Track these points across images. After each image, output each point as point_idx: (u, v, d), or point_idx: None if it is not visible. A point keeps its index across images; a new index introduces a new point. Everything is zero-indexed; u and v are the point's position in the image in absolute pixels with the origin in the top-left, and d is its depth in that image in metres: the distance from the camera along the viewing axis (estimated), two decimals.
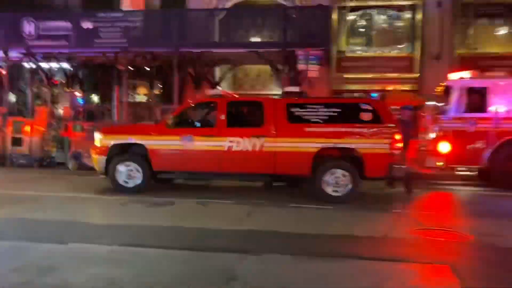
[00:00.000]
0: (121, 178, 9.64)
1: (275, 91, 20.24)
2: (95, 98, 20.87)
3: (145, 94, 21.43)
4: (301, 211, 8.13)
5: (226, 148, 9.21)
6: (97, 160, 9.86)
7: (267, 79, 20.82)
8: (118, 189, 9.61)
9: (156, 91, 20.09)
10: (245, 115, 10.19)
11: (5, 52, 16.30)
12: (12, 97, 20.02)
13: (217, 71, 19.69)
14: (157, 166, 9.58)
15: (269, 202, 8.74)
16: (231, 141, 9.19)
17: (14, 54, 16.76)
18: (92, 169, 13.18)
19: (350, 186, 8.81)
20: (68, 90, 19.70)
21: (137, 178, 9.63)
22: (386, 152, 8.70)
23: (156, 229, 6.66)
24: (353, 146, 8.83)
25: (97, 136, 10.03)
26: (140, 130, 10.09)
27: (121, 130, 10.62)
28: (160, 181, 10.19)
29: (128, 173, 9.63)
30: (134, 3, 17.62)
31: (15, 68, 19.27)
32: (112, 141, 9.80)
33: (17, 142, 15.05)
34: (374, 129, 8.77)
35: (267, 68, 20.14)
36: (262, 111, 9.23)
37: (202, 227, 6.75)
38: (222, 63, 18.90)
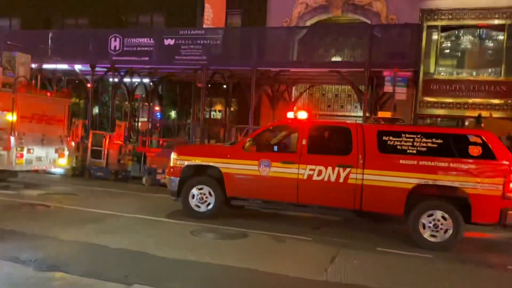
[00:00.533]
0: (193, 202, 8.97)
1: (354, 112, 19.01)
2: (172, 113, 20.83)
3: (219, 111, 21.10)
4: (394, 258, 6.89)
5: (305, 177, 8.22)
6: (170, 181, 9.29)
7: (345, 99, 19.62)
8: (189, 213, 8.96)
9: (232, 109, 19.62)
10: (329, 141, 9.14)
11: (93, 67, 16.64)
12: (95, 110, 20.58)
13: (294, 90, 18.83)
14: (231, 191, 8.80)
15: (354, 242, 7.59)
16: (311, 169, 8.19)
17: (99, 68, 17.09)
18: (165, 186, 12.82)
19: (451, 231, 7.40)
20: (147, 104, 19.84)
21: (210, 202, 8.93)
22: (499, 194, 7.21)
23: (229, 271, 5.79)
24: (457, 184, 7.44)
25: (172, 156, 9.46)
26: (216, 152, 9.39)
27: (196, 151, 10.01)
28: (232, 206, 9.39)
29: (201, 196, 8.94)
30: (215, 21, 17.33)
31: (99, 82, 19.81)
32: (186, 161, 9.20)
33: (96, 154, 15.14)
34: (485, 166, 7.33)
35: (345, 88, 18.99)
36: (349, 138, 8.15)
37: (279, 273, 5.78)
38: (300, 82, 18.04)
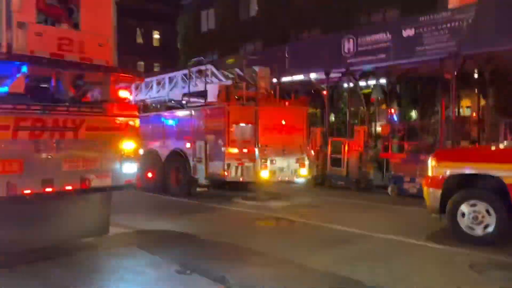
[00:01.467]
0: (463, 222, 6.68)
1: None
2: (413, 113, 18.31)
3: (467, 107, 17.42)
4: None
5: None
6: (428, 194, 7.26)
7: None
8: (459, 236, 6.71)
9: (487, 102, 15.84)
10: None
11: (327, 74, 15.86)
12: (331, 117, 19.89)
13: None
14: None
15: None
16: None
17: (334, 74, 16.18)
18: (414, 196, 10.75)
19: None
20: (384, 107, 17.94)
21: (488, 223, 6.50)
22: None
23: None
24: None
25: (429, 162, 7.37)
26: (492, 156, 6.84)
27: (462, 155, 7.65)
28: None
29: (474, 215, 6.58)
30: None
31: (334, 88, 19.00)
32: (448, 170, 7.01)
33: (335, 162, 14.16)
34: None
35: None
36: None
37: None
38: None
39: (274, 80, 17.66)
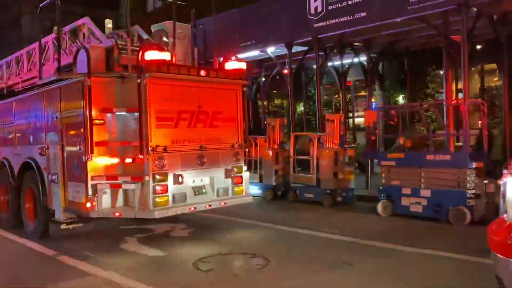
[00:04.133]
0: None
1: None
2: (400, 98, 13.67)
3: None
4: None
5: None
6: None
7: None
8: None
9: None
10: None
11: (289, 46, 11.09)
12: (300, 107, 15.16)
13: None
14: None
15: None
16: None
17: (298, 48, 11.43)
18: (418, 217, 6.21)
19: None
20: (365, 90, 13.31)
21: None
22: None
23: None
24: None
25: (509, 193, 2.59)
26: None
27: None
28: None
29: None
30: None
31: (302, 69, 14.25)
32: None
33: (302, 166, 9.48)
34: None
35: None
36: None
37: None
38: None
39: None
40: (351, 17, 9.67)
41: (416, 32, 10.81)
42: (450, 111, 8.82)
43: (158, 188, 5.04)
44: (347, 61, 12.98)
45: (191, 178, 5.39)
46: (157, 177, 5.06)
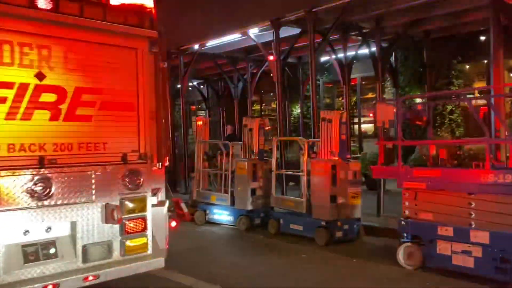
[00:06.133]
0: None
1: None
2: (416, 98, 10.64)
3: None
4: None
5: None
6: None
7: None
8: None
9: None
10: None
11: (277, 25, 8.20)
12: (296, 109, 12.19)
13: None
14: None
15: None
16: None
17: (288, 29, 8.56)
18: (468, 277, 3.13)
19: None
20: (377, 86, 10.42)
21: None
22: None
23: None
24: None
25: None
26: None
27: None
28: None
29: None
30: None
31: (297, 60, 11.45)
32: None
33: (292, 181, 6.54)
34: None
35: None
36: None
37: None
38: None
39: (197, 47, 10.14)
40: None
41: (441, 9, 7.86)
42: (501, 105, 5.78)
43: None
44: (351, 53, 10.06)
45: (21, 225, 2.47)
46: None
